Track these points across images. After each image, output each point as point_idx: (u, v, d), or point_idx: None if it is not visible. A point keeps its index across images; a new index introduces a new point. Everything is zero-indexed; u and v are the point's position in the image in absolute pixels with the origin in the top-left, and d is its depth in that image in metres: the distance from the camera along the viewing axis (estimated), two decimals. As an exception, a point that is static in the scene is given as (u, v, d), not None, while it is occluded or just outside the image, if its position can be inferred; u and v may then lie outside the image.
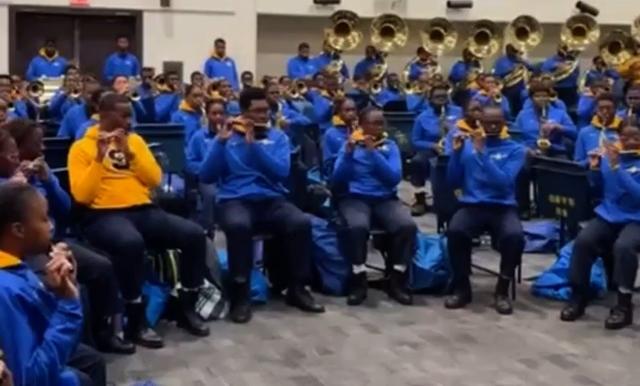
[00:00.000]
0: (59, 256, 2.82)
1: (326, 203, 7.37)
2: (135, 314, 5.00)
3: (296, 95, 11.22)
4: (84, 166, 5.15)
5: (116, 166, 5.26)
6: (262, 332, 5.25)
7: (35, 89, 10.69)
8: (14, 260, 2.82)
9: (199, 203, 7.57)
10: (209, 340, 5.08)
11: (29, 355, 2.70)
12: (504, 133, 6.03)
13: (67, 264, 2.82)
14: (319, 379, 4.50)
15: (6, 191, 2.94)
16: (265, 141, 5.87)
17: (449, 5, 15.16)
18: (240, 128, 5.78)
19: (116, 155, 5.27)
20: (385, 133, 6.31)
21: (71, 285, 2.83)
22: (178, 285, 5.35)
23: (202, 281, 5.39)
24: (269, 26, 14.20)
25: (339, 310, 5.69)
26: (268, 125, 6.10)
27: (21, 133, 4.65)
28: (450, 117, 8.58)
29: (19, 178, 4.13)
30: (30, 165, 4.54)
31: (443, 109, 8.79)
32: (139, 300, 5.02)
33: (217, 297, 5.52)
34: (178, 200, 7.77)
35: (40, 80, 11.47)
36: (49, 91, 11.06)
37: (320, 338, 5.15)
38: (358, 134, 6.25)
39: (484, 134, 5.81)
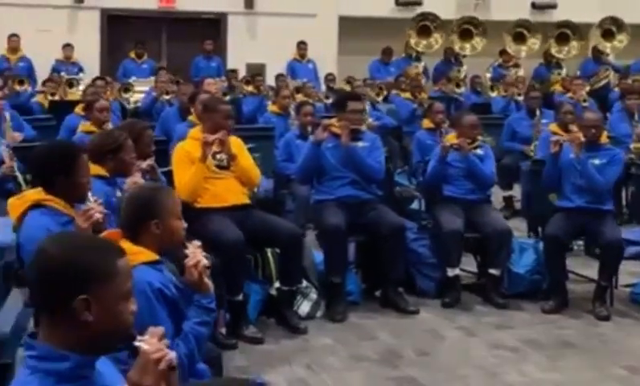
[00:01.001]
0: (196, 253, 2.96)
1: (414, 206, 7.41)
2: (237, 310, 5.14)
3: (380, 98, 11.27)
4: (188, 167, 5.30)
5: (218, 166, 5.40)
6: (359, 332, 5.33)
7: (127, 91, 11.01)
8: (153, 256, 2.96)
9: (288, 204, 7.69)
10: (308, 338, 5.19)
11: (170, 345, 2.84)
12: (604, 138, 5.98)
13: (204, 261, 2.96)
14: (419, 381, 4.55)
15: (145, 191, 3.09)
16: (360, 144, 5.95)
17: (534, 6, 15.00)
18: (336, 130, 5.87)
19: (218, 156, 5.41)
20: (480, 137, 6.32)
21: (207, 280, 2.97)
22: (277, 284, 5.48)
23: (300, 279, 5.50)
24: (351, 28, 14.29)
25: (433, 312, 5.73)
26: (364, 127, 6.18)
27: (134, 135, 4.82)
28: (544, 120, 8.49)
29: (137, 178, 4.29)
30: (144, 165, 4.72)
31: (538, 112, 8.71)
32: (241, 297, 5.15)
33: (314, 296, 5.63)
34: (267, 201, 7.92)
35: (130, 81, 11.81)
36: (139, 92, 11.38)
37: (416, 339, 5.21)
38: (452, 137, 6.27)
39: (582, 138, 5.77)
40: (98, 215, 3.56)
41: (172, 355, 1.98)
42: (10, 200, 3.71)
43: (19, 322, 2.74)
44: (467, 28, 13.90)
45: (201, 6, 14.03)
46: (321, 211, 5.82)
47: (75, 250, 1.93)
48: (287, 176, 7.42)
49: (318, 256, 5.82)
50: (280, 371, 4.67)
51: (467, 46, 13.95)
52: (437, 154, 6.19)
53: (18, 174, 5.88)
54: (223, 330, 5.03)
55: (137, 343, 1.98)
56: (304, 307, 5.57)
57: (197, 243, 3.02)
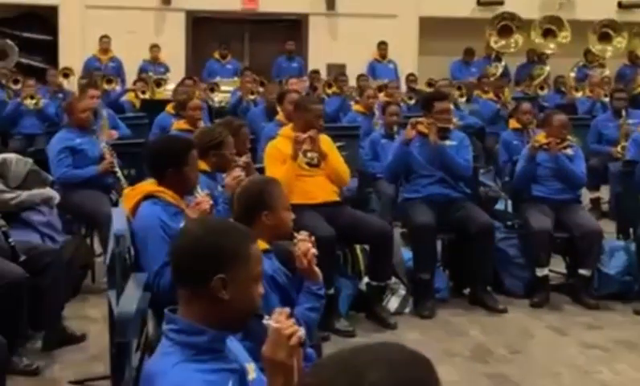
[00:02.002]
0: (305, 243, 3.07)
1: (499, 206, 7.39)
2: (328, 304, 5.21)
3: (463, 99, 11.24)
4: (280, 164, 5.42)
5: (309, 164, 5.51)
6: (448, 328, 5.38)
7: (213, 90, 11.25)
8: (264, 245, 3.08)
9: (373, 202, 7.77)
10: (398, 333, 5.26)
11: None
12: None
13: (313, 250, 3.07)
14: (511, 377, 4.58)
15: (256, 184, 3.22)
16: (448, 142, 5.98)
17: (620, 5, 14.73)
18: (423, 129, 5.93)
19: (309, 154, 5.52)
20: (570, 137, 6.28)
21: (315, 268, 3.08)
22: (366, 279, 5.56)
23: (390, 276, 5.58)
24: (431, 28, 14.28)
25: (522, 311, 5.73)
26: (451, 126, 6.22)
27: (232, 132, 4.97)
28: (630, 121, 8.38)
29: (237, 173, 4.43)
30: (240, 161, 4.86)
31: (623, 113, 8.58)
32: (332, 291, 5.25)
33: (402, 292, 5.70)
34: (351, 199, 8.00)
35: (215, 81, 12.07)
36: (223, 92, 11.62)
37: (507, 337, 5.22)
38: (541, 137, 6.25)
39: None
40: (207, 206, 3.72)
41: (302, 331, 2.08)
42: (125, 191, 3.91)
43: (140, 305, 2.90)
44: (550, 28, 13.73)
45: (283, 8, 14.22)
46: (410, 209, 5.88)
47: (217, 232, 2.09)
48: (372, 175, 7.51)
49: (407, 253, 5.89)
50: (371, 365, 4.74)
51: (551, 45, 13.78)
52: (526, 154, 6.18)
53: (117, 169, 6.11)
54: (316, 323, 5.14)
55: (265, 322, 2.09)
56: (393, 303, 5.64)
57: (305, 233, 3.13)
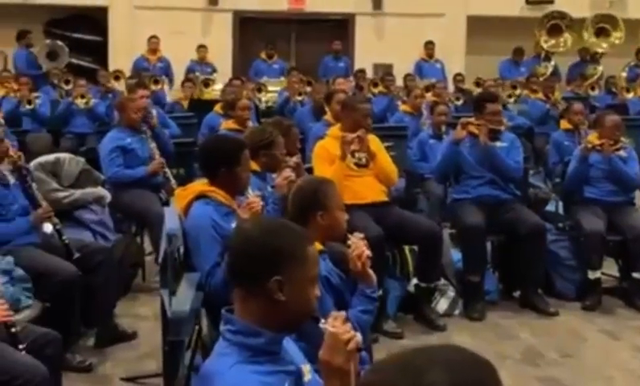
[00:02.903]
0: (359, 244, 3.06)
1: (549, 207, 7.29)
2: (377, 305, 5.21)
3: (512, 99, 11.12)
4: (328, 164, 5.41)
5: (357, 164, 5.49)
6: (498, 331, 5.32)
7: (260, 91, 11.28)
8: (319, 246, 3.07)
9: (421, 203, 7.72)
10: (447, 335, 5.22)
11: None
12: None
13: (367, 252, 3.05)
14: (563, 381, 4.52)
15: (311, 184, 3.22)
16: (498, 143, 5.92)
17: (673, 3, 14.44)
18: (474, 129, 5.87)
19: (357, 154, 5.50)
20: (623, 138, 6.16)
21: (369, 270, 3.06)
22: (415, 281, 5.53)
23: (438, 277, 5.54)
24: (480, 27, 14.13)
25: (574, 314, 5.65)
26: (502, 127, 6.15)
27: (282, 132, 4.97)
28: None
29: (287, 173, 4.44)
30: (291, 162, 4.86)
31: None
32: (380, 292, 5.20)
33: (451, 294, 5.66)
34: (399, 199, 7.97)
35: (262, 81, 12.12)
36: (271, 91, 11.66)
37: (558, 340, 5.15)
38: (594, 138, 6.15)
39: None
40: (258, 208, 3.73)
41: (359, 336, 2.07)
42: (177, 191, 3.94)
43: (193, 305, 2.91)
44: (603, 26, 13.50)
45: (329, 7, 14.20)
46: (459, 210, 5.84)
47: (273, 233, 2.08)
48: (421, 175, 7.46)
49: (456, 254, 5.84)
50: (421, 367, 4.71)
51: (604, 44, 13.55)
52: (578, 156, 6.09)
53: (166, 169, 6.17)
54: (365, 325, 5.12)
55: (322, 325, 2.08)
56: (442, 304, 5.60)
57: (359, 235, 3.12)
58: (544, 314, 5.59)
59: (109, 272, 5.07)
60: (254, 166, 4.40)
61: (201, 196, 3.79)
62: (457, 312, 5.61)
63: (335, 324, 2.06)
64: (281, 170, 4.45)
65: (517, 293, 5.89)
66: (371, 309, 3.07)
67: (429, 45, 13.91)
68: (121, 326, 5.11)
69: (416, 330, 5.29)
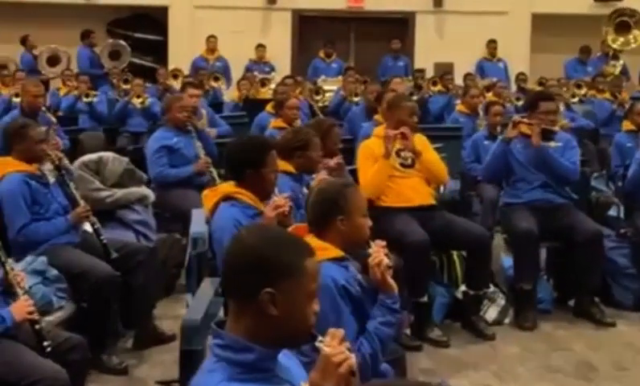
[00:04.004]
0: (379, 252, 2.91)
1: (611, 212, 6.98)
2: (422, 312, 5.05)
3: (575, 99, 10.74)
4: (372, 164, 5.25)
5: (402, 165, 5.32)
6: (550, 342, 5.08)
7: (317, 93, 11.12)
8: (339, 252, 2.94)
9: (475, 206, 7.49)
10: (495, 345, 5.02)
11: (353, 343, 2.80)
12: None
13: (386, 261, 2.89)
14: (616, 397, 4.27)
15: (332, 188, 3.07)
16: (552, 144, 5.66)
17: None
18: (525, 129, 5.63)
19: (403, 154, 5.33)
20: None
21: (390, 280, 2.91)
22: (463, 287, 5.33)
23: (487, 284, 5.33)
24: (545, 25, 13.78)
25: (632, 325, 5.37)
26: (556, 127, 5.89)
27: (322, 133, 4.85)
28: None
29: (323, 175, 4.30)
30: (331, 162, 4.73)
31: None
32: (425, 298, 5.06)
33: (502, 301, 5.44)
34: (453, 202, 7.75)
35: (319, 80, 12.00)
36: (328, 91, 11.53)
37: (614, 353, 4.89)
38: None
39: None
40: (286, 208, 3.61)
41: (353, 359, 1.93)
42: (204, 192, 3.85)
43: (210, 311, 2.79)
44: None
45: (389, 6, 14.01)
46: (511, 215, 5.60)
47: (269, 243, 1.94)
48: (474, 177, 7.23)
49: (507, 260, 5.61)
50: (466, 377, 4.55)
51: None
52: (639, 158, 5.79)
53: (212, 168, 6.10)
54: (408, 331, 4.96)
55: (318, 344, 1.95)
56: (491, 313, 5.38)
57: (381, 242, 2.97)
58: (600, 325, 5.32)
59: (149, 272, 5.01)
60: (288, 167, 4.29)
61: (227, 198, 3.68)
62: (507, 321, 5.38)
63: (331, 344, 1.91)
64: (317, 171, 4.31)
65: (572, 302, 5.63)
66: (391, 321, 2.91)
67: (492, 44, 13.59)
68: (160, 327, 5.04)
69: (463, 339, 5.09)
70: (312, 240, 2.85)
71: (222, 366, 1.87)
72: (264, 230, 2.09)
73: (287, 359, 2.01)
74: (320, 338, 1.94)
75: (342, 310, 2.82)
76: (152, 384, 4.46)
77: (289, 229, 2.94)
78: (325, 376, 1.88)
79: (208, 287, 3.07)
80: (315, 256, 2.00)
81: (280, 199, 3.67)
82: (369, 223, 3.07)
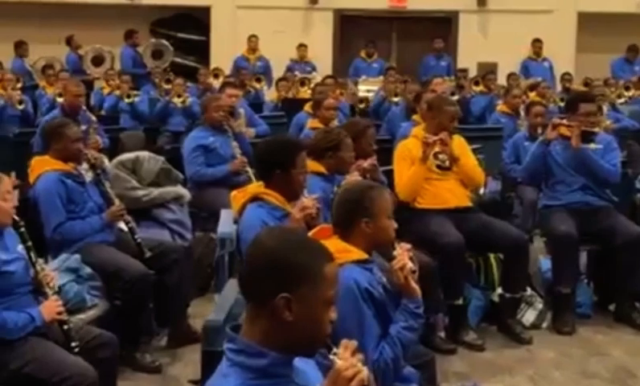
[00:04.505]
0: (403, 256, 2.87)
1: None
2: (457, 315, 4.99)
3: (621, 100, 10.52)
4: (409, 165, 5.20)
5: (439, 167, 5.25)
6: (588, 347, 4.98)
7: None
8: (363, 255, 2.90)
9: (516, 207, 7.39)
10: (532, 349, 4.94)
11: (375, 347, 2.77)
12: None
13: (410, 265, 2.85)
14: (655, 405, 4.16)
15: (357, 188, 3.05)
16: (592, 146, 5.54)
17: None
18: (565, 131, 5.53)
19: (440, 157, 5.26)
20: None
21: (413, 284, 2.87)
22: (499, 290, 5.25)
23: (524, 287, 5.24)
24: (591, 24, 13.55)
25: (675, 331, 5.23)
26: (597, 129, 5.77)
27: (356, 134, 4.81)
28: None
29: (355, 176, 4.27)
30: (365, 164, 4.69)
31: None
32: (460, 301, 5.00)
33: (539, 305, 5.35)
34: (493, 203, 7.65)
35: (360, 80, 11.95)
36: (369, 91, 11.48)
37: (654, 359, 4.77)
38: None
39: None
40: (313, 210, 3.58)
41: (365, 372, 1.88)
42: (233, 193, 3.84)
43: (233, 311, 2.78)
44: None
45: (432, 5, 13.91)
46: (549, 217, 5.50)
47: (288, 246, 1.91)
48: (515, 179, 7.13)
49: (546, 263, 5.51)
50: (501, 381, 4.49)
51: None
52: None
53: (248, 168, 6.10)
54: (442, 334, 4.90)
55: (331, 356, 1.91)
56: (528, 316, 5.29)
57: (406, 245, 2.92)
58: (641, 330, 5.20)
59: (184, 271, 5.03)
60: (320, 167, 4.26)
61: (255, 198, 3.66)
62: (544, 325, 5.29)
63: (343, 356, 1.88)
64: (348, 172, 4.28)
65: (612, 307, 5.50)
66: (415, 326, 2.86)
67: (537, 43, 13.38)
68: (194, 326, 5.04)
69: (499, 343, 5.01)
70: (336, 242, 2.83)
71: (236, 370, 1.85)
72: (283, 233, 2.06)
73: (304, 363, 1.98)
74: (334, 350, 1.90)
75: (364, 313, 2.79)
76: (184, 383, 4.47)
77: (314, 230, 2.90)
78: None
79: (233, 288, 3.05)
80: (335, 262, 1.96)
81: (307, 201, 3.64)
82: (394, 225, 3.03)
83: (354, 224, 2.93)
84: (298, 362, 1.95)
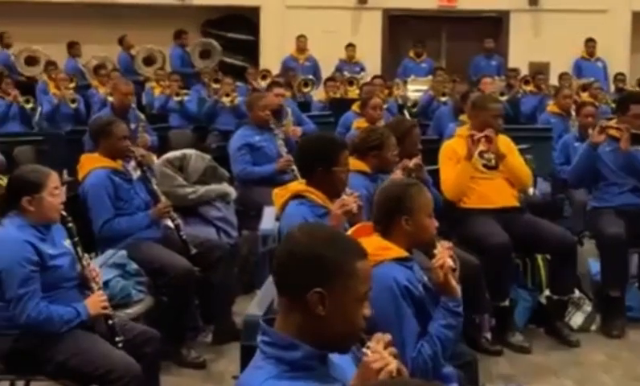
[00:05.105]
0: (444, 254, 2.85)
1: None
2: (503, 316, 4.93)
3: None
4: (454, 165, 5.16)
5: (485, 166, 5.19)
6: (638, 351, 4.91)
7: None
8: (402, 253, 2.89)
9: (566, 208, 7.27)
10: (579, 352, 4.87)
11: (414, 345, 2.76)
12: None
13: (450, 263, 2.83)
14: None
15: (397, 187, 3.04)
16: (642, 147, 5.43)
17: None
18: (614, 132, 5.42)
19: (486, 156, 5.19)
20: None
21: (453, 282, 2.85)
22: (547, 292, 5.18)
23: (572, 289, 5.16)
24: (646, 24, 13.30)
25: None
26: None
27: (400, 133, 4.78)
28: None
29: (398, 175, 4.24)
30: (410, 163, 4.66)
31: None
32: (507, 303, 4.94)
33: (588, 308, 5.26)
34: (543, 204, 7.54)
35: (409, 80, 11.90)
36: (417, 91, 11.42)
37: None
38: None
39: None
40: (353, 206, 3.57)
41: (393, 365, 1.89)
42: (275, 190, 3.85)
43: (273, 307, 2.78)
44: None
45: (483, 5, 13.77)
46: (599, 219, 5.41)
47: (321, 242, 1.91)
48: (564, 180, 7.01)
49: (595, 265, 5.41)
50: (547, 383, 4.44)
51: None
52: None
53: (294, 167, 6.10)
54: (488, 335, 4.85)
55: (364, 350, 1.92)
56: (576, 319, 5.21)
57: (446, 243, 2.90)
58: (692, 335, 5.09)
59: (229, 269, 5.07)
60: (364, 166, 4.24)
61: (296, 196, 3.67)
62: (593, 328, 5.21)
63: (374, 348, 1.88)
64: (392, 171, 4.26)
65: (664, 311, 5.39)
66: (454, 324, 2.84)
67: (590, 43, 13.16)
68: (239, 324, 5.07)
69: (546, 345, 4.95)
70: (376, 239, 2.82)
71: (270, 362, 1.87)
72: (316, 228, 2.07)
73: (340, 358, 1.98)
74: (368, 343, 1.90)
75: (403, 310, 2.77)
76: (229, 379, 4.48)
77: (354, 227, 2.90)
78: (364, 382, 1.85)
79: (272, 284, 3.05)
80: (368, 259, 1.96)
81: (347, 197, 3.63)
82: (435, 223, 3.01)
83: (394, 222, 2.93)
84: (334, 356, 1.95)
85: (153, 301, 4.45)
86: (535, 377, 4.48)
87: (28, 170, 3.52)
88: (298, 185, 3.79)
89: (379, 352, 1.89)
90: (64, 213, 3.49)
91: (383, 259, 2.73)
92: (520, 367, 4.60)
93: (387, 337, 1.95)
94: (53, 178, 3.45)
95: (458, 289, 2.87)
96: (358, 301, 1.90)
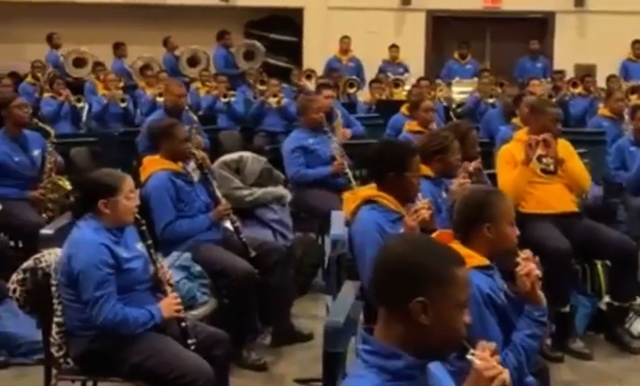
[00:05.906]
0: (529, 262, 2.84)
1: None
2: (563, 322, 4.89)
3: None
4: (512, 169, 5.12)
5: (543, 171, 5.15)
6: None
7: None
8: (484, 261, 2.88)
9: (621, 213, 7.19)
10: (640, 359, 4.81)
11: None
12: None
13: (536, 271, 2.81)
14: None
15: (479, 194, 3.03)
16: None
17: None
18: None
19: (545, 160, 5.16)
20: None
21: (539, 291, 2.83)
22: (606, 298, 5.13)
23: (633, 296, 5.09)
24: (695, 24, 13.07)
25: None
26: None
27: (459, 136, 4.76)
28: None
29: (463, 179, 4.23)
30: (470, 167, 4.64)
31: None
32: (567, 309, 4.90)
33: (648, 315, 5.19)
34: (596, 208, 7.47)
35: (453, 82, 11.85)
36: (462, 93, 11.36)
37: None
38: None
39: None
40: (426, 214, 3.57)
41: (506, 373, 1.89)
42: (345, 195, 3.86)
43: (351, 314, 2.80)
44: None
45: (528, 6, 13.68)
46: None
47: (419, 252, 1.93)
48: (619, 184, 6.95)
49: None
50: (610, 391, 4.38)
51: None
52: None
53: (347, 170, 6.12)
54: (549, 342, 4.81)
55: (469, 357, 1.92)
56: (637, 325, 5.14)
57: (528, 252, 2.88)
58: None
59: (286, 271, 5.09)
60: (427, 171, 4.24)
61: (368, 201, 3.67)
62: (654, 335, 5.14)
63: (483, 356, 1.88)
64: (457, 175, 4.24)
65: None
66: (538, 333, 2.83)
67: (637, 44, 12.97)
68: (297, 326, 5.09)
69: (607, 352, 4.90)
70: (457, 247, 2.81)
71: (372, 371, 1.88)
72: (413, 238, 2.10)
73: (437, 369, 1.98)
74: (471, 350, 1.90)
75: (487, 319, 2.76)
76: (290, 382, 4.51)
77: (434, 235, 2.90)
78: None
79: (349, 290, 3.07)
80: (465, 266, 1.97)
81: (420, 205, 3.63)
82: (517, 231, 2.99)
83: (475, 230, 2.92)
84: (432, 366, 1.96)
85: (217, 303, 4.48)
86: (598, 384, 4.46)
87: (104, 174, 3.56)
88: (370, 190, 3.80)
89: (488, 360, 1.89)
90: (138, 216, 3.53)
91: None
92: (582, 374, 4.57)
93: (493, 345, 1.96)
94: (128, 182, 3.49)
95: (544, 298, 2.85)
96: (459, 308, 1.91)
